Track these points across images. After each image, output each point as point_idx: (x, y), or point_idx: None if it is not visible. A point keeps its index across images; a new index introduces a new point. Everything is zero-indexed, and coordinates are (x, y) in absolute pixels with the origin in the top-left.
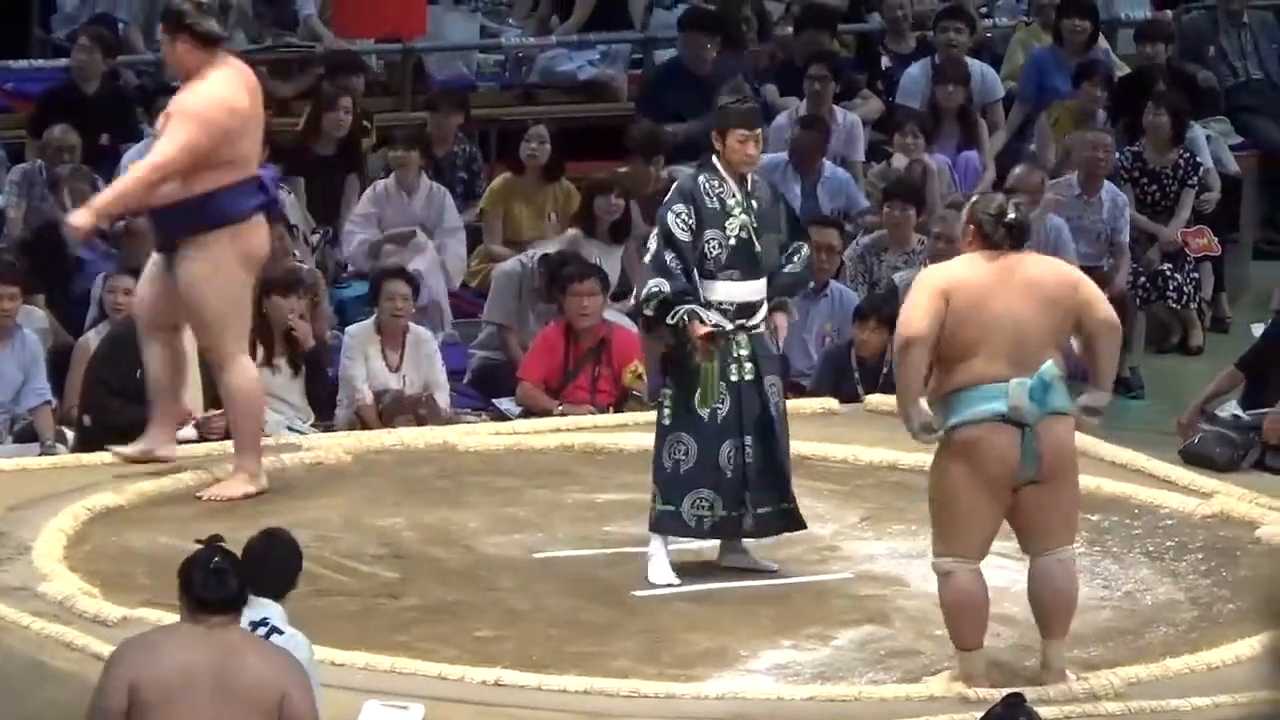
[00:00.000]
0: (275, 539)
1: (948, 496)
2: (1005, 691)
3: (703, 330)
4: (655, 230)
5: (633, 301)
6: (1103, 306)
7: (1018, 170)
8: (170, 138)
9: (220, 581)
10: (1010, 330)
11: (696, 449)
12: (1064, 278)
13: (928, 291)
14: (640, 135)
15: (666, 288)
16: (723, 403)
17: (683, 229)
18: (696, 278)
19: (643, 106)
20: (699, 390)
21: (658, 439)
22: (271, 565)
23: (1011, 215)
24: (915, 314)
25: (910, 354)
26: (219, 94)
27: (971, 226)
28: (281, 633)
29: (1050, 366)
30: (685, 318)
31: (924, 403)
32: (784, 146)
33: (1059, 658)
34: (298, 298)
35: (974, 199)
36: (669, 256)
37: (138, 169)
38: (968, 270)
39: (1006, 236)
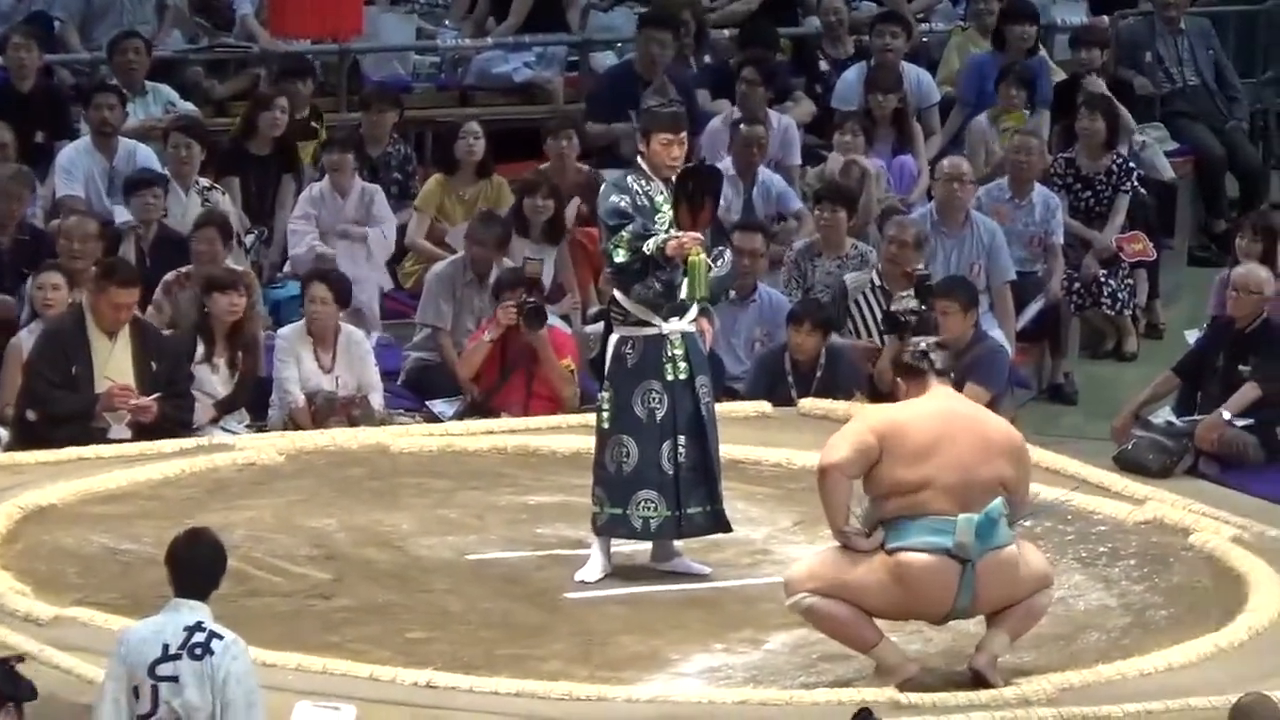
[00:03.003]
0: (199, 538)
1: (864, 583)
2: (934, 696)
3: (677, 242)
4: (600, 217)
5: (575, 298)
6: (1027, 489)
7: (947, 160)
8: None
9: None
10: (959, 476)
11: (638, 450)
12: (1014, 442)
13: (860, 426)
14: (557, 115)
15: (628, 230)
16: (660, 403)
17: (626, 205)
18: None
19: (591, 109)
20: (692, 284)
21: (599, 443)
22: (197, 565)
23: (930, 348)
24: (840, 444)
25: (826, 481)
26: None
27: (900, 377)
28: (221, 638)
29: (998, 504)
30: (661, 243)
31: (854, 518)
32: (718, 152)
33: (1001, 647)
34: (238, 294)
35: (896, 348)
36: (618, 222)
37: None
38: (910, 414)
39: (932, 366)
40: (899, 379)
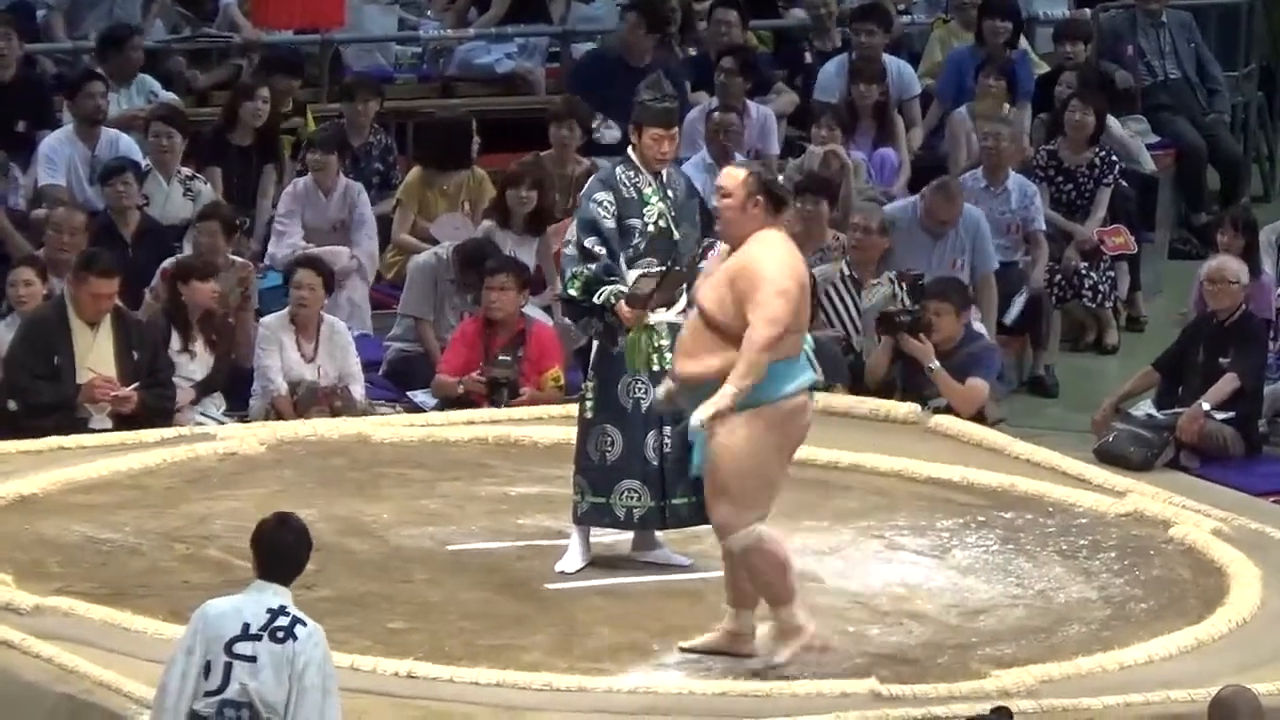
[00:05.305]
0: (285, 523)
1: (761, 463)
2: (914, 688)
3: (628, 310)
4: (576, 220)
5: (557, 289)
6: None
7: (933, 196)
8: None
9: None
10: (806, 311)
11: (622, 440)
12: None
13: (787, 286)
14: (562, 103)
15: (590, 269)
16: (645, 393)
17: (605, 215)
18: (621, 264)
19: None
20: (630, 356)
21: (581, 432)
22: (281, 549)
23: (781, 177)
24: (780, 308)
25: (773, 345)
26: None
27: (760, 198)
28: (305, 624)
29: (808, 335)
30: (612, 297)
31: None
32: (695, 142)
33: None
34: (217, 283)
35: (752, 171)
36: (591, 241)
37: None
38: (798, 257)
39: (791, 204)
40: (761, 198)
